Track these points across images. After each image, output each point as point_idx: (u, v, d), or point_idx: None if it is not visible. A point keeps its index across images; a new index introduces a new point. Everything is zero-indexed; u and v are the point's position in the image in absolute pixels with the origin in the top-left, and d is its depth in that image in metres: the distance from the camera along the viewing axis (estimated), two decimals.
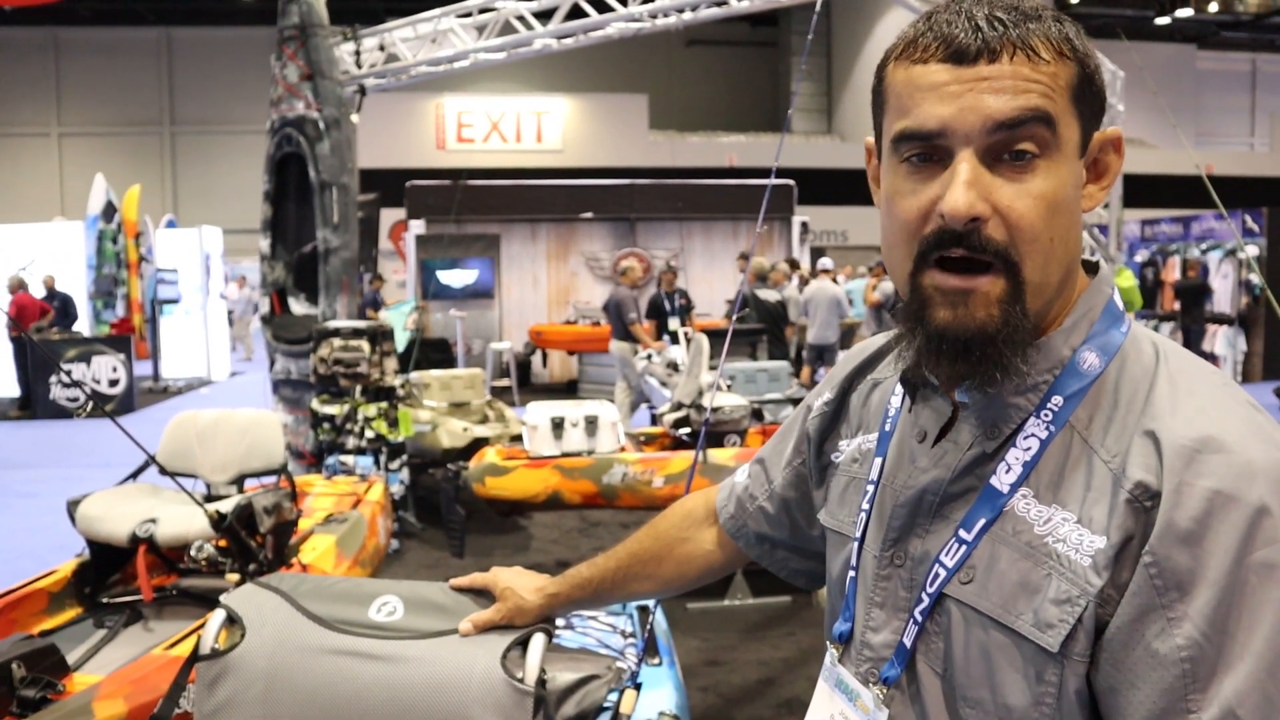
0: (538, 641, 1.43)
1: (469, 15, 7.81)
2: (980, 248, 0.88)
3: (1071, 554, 0.85)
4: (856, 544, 1.06)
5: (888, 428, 1.07)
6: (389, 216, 16.02)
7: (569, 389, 13.41)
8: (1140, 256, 15.26)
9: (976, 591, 0.91)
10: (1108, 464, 0.87)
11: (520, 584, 1.44)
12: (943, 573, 0.94)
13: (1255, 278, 12.91)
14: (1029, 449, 0.91)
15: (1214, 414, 0.85)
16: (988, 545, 0.91)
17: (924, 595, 0.95)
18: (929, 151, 0.90)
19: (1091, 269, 1.00)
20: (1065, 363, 0.93)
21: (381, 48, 7.77)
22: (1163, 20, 25.07)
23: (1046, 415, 0.92)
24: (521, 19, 7.69)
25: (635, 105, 23.04)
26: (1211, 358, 13.91)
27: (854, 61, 26.38)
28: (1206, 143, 26.60)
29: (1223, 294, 13.83)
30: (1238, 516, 0.79)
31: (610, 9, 7.54)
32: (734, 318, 3.16)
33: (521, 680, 1.40)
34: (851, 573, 1.05)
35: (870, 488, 1.06)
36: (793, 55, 28.97)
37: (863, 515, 1.06)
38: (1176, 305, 13.60)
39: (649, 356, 9.11)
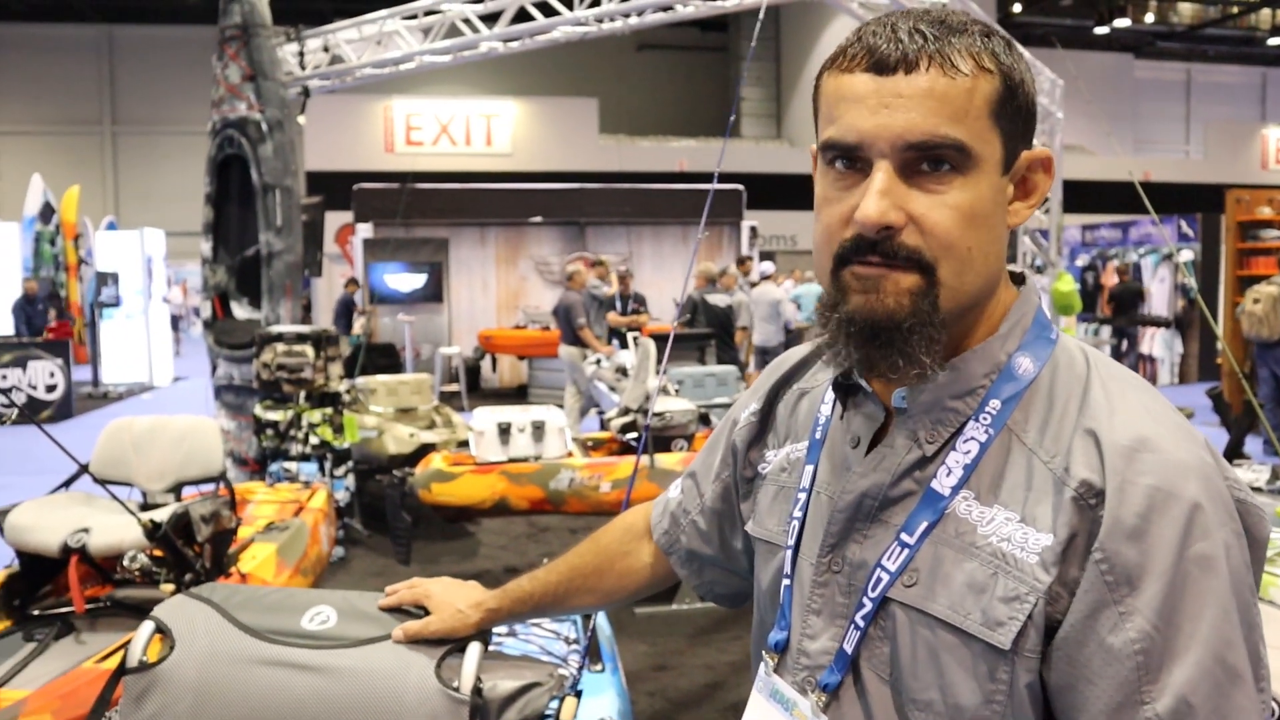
0: (473, 650, 1.42)
1: (415, 17, 7.75)
2: (893, 254, 0.90)
3: (1017, 552, 0.87)
4: (790, 552, 1.05)
5: (818, 435, 1.08)
6: (336, 219, 15.83)
7: (518, 394, 13.36)
8: (1081, 261, 15.54)
9: (922, 594, 0.91)
10: (1048, 464, 0.89)
11: (457, 597, 1.42)
12: (885, 577, 0.94)
13: (1190, 282, 13.21)
14: (969, 452, 0.93)
15: (1147, 416, 0.89)
16: (931, 548, 0.92)
17: (866, 600, 0.95)
18: (852, 160, 0.92)
19: (1019, 280, 1.02)
20: (1002, 367, 0.95)
21: (326, 49, 7.68)
22: (1102, 30, 25.59)
23: (985, 419, 0.93)
24: (467, 21, 7.65)
25: (585, 109, 23.01)
26: (1149, 360, 14.21)
27: (803, 66, 26.59)
28: (1144, 150, 27.17)
29: (1160, 298, 14.13)
30: (1177, 511, 0.83)
31: (556, 13, 7.53)
32: (677, 322, 3.16)
33: (457, 689, 1.38)
34: (786, 581, 1.05)
35: (802, 495, 1.06)
36: (742, 60, 29.13)
37: (795, 523, 1.06)
38: (1112, 308, 13.86)
39: (598, 361, 9.11)
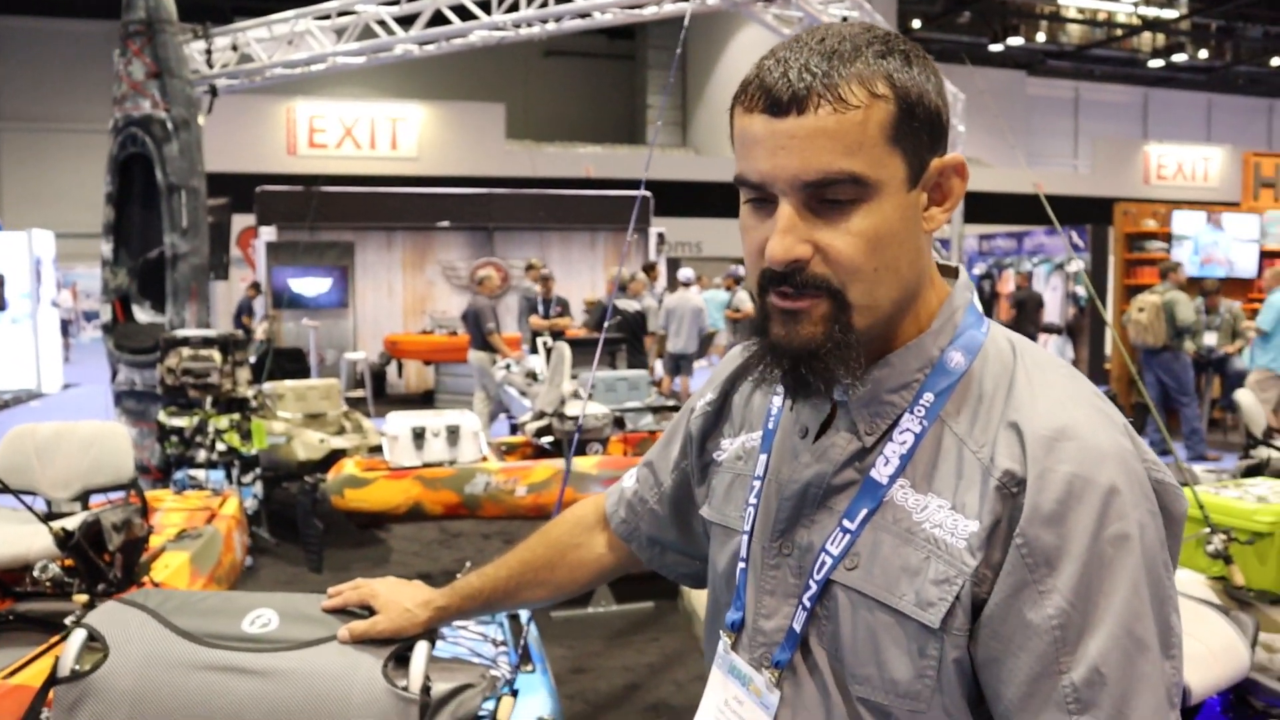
0: (421, 649, 1.41)
1: (328, 18, 7.64)
2: (804, 284, 0.95)
3: (947, 538, 0.94)
4: (745, 537, 1.11)
5: (771, 425, 1.13)
6: (237, 223, 15.44)
7: (425, 399, 13.21)
8: (978, 269, 16.04)
9: (862, 577, 0.98)
10: (976, 454, 0.95)
11: (403, 596, 1.42)
12: (829, 560, 1.00)
13: (1081, 290, 13.75)
14: (904, 442, 0.99)
15: (1067, 405, 0.95)
16: (870, 533, 0.98)
17: (812, 582, 1.01)
18: (761, 195, 0.97)
19: (951, 273, 1.08)
20: (934, 362, 1.01)
21: (234, 47, 7.51)
22: (996, 47, 26.48)
23: (919, 411, 0.99)
24: (382, 23, 7.56)
25: (492, 114, 22.89)
26: None
27: (709, 76, 26.89)
28: (1036, 163, 28.20)
29: (1052, 305, 14.67)
30: (1093, 497, 0.89)
31: (473, 16, 7.49)
32: (606, 326, 3.19)
33: (405, 689, 1.38)
34: (741, 564, 1.11)
35: (756, 483, 1.11)
36: (649, 68, 29.33)
37: (750, 509, 1.11)
38: (1014, 314, 14.34)
39: (508, 366, 9.08)
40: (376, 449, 6.08)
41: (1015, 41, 26.38)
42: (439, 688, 2.07)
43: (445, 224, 14.77)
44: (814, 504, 1.04)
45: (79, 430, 3.79)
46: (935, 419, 0.99)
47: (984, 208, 18.06)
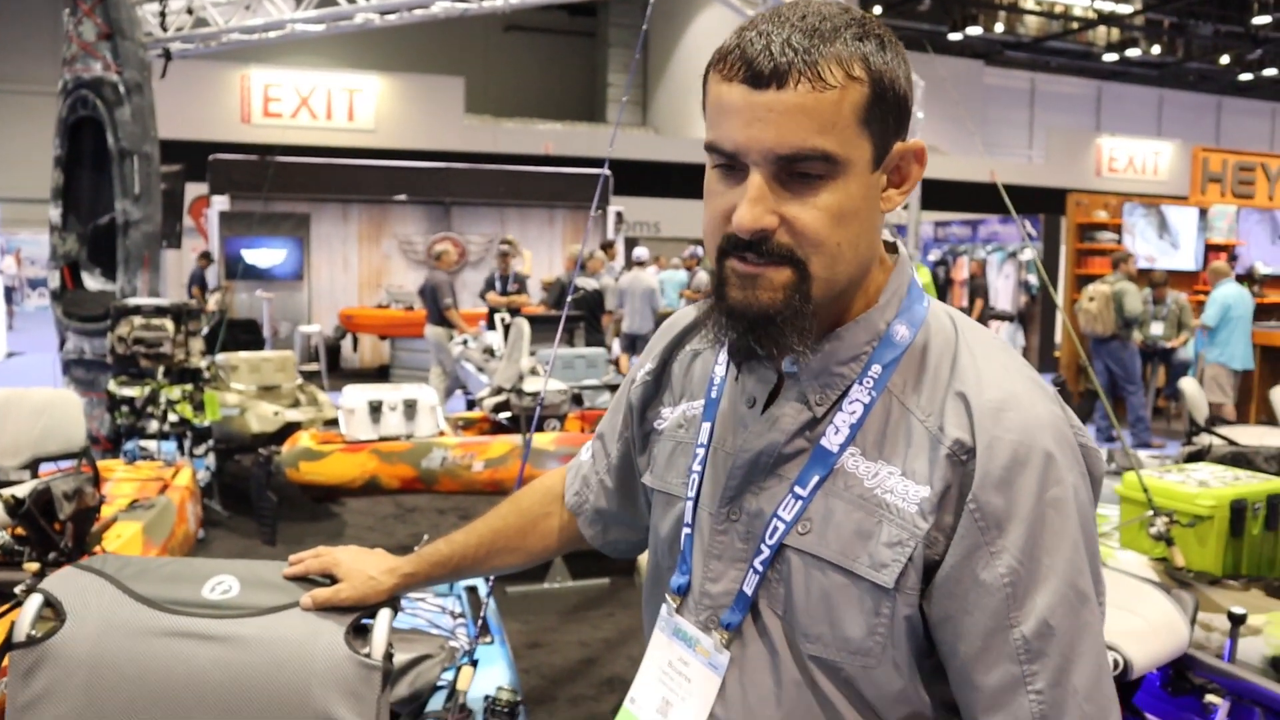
0: (384, 616, 1.41)
1: None
2: (768, 253, 0.99)
3: (899, 503, 0.99)
4: (690, 503, 1.14)
5: (714, 395, 1.17)
6: (190, 191, 15.15)
7: (380, 374, 13.12)
8: (933, 255, 16.21)
9: (815, 541, 1.02)
10: (924, 423, 1.00)
11: (366, 564, 1.43)
12: (781, 526, 1.04)
13: (1033, 278, 13.95)
14: (854, 412, 1.04)
15: (1008, 376, 1.01)
16: (822, 499, 1.03)
17: (763, 547, 1.05)
18: (731, 163, 1.00)
19: (891, 249, 1.13)
20: (882, 335, 1.06)
21: (190, 11, 7.36)
22: (955, 36, 26.65)
23: (868, 382, 1.04)
24: None
25: (451, 88, 22.62)
26: None
27: (669, 56, 26.80)
28: (992, 152, 28.45)
29: (1004, 293, 14.87)
30: (1036, 462, 0.96)
31: None
32: (568, 302, 3.19)
33: (368, 655, 1.38)
34: (686, 529, 1.14)
35: (700, 450, 1.15)
36: (610, 46, 29.16)
37: (694, 476, 1.15)
38: (965, 302, 14.52)
39: (465, 342, 9.04)
40: (332, 422, 6.03)
41: (974, 31, 26.57)
42: (398, 658, 2.08)
43: (402, 197, 14.63)
44: (764, 472, 1.07)
45: (30, 397, 3.73)
46: (883, 390, 1.04)
47: (940, 195, 18.22)
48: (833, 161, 0.96)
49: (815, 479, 1.03)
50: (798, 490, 1.04)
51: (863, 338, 1.05)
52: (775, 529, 1.04)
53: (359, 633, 1.40)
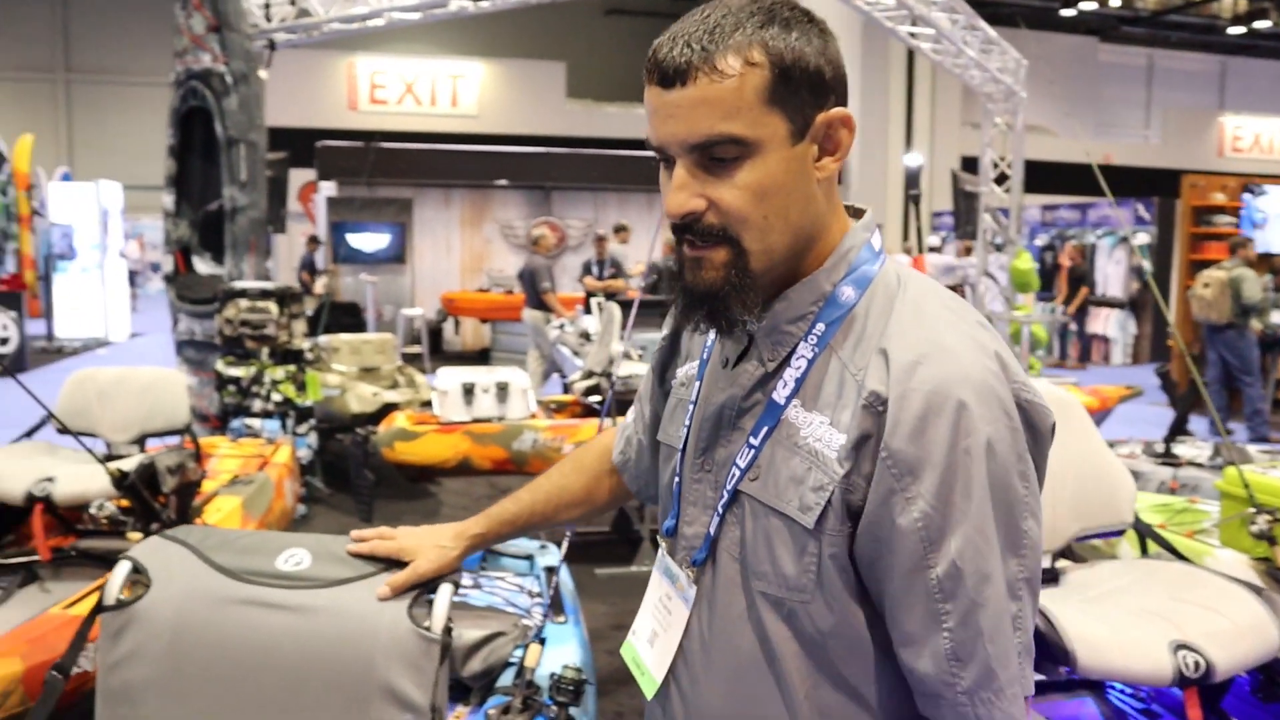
0: (445, 591, 1.46)
1: None
2: (702, 234, 1.09)
3: (825, 450, 1.07)
4: (680, 454, 1.26)
5: (705, 356, 1.28)
6: (298, 177, 15.61)
7: (481, 357, 13.35)
8: (1040, 240, 15.75)
9: (761, 486, 1.12)
10: (855, 377, 1.07)
11: (434, 536, 1.49)
12: (737, 473, 1.15)
13: (1145, 264, 13.45)
14: (799, 368, 1.12)
15: (936, 331, 1.06)
16: (770, 448, 1.12)
17: (725, 492, 1.16)
18: (664, 157, 1.11)
19: (857, 214, 1.19)
20: (827, 296, 1.13)
21: (292, 2, 7.57)
22: (1068, 12, 25.74)
23: (812, 339, 1.13)
24: None
25: (553, 72, 22.82)
26: (1104, 340, 14.47)
27: None
28: (1106, 133, 27.46)
29: (1115, 280, 14.37)
30: (948, 412, 1.01)
31: None
32: (642, 288, 3.20)
33: (429, 629, 1.43)
34: (676, 479, 1.26)
35: (691, 407, 1.27)
36: None
37: (684, 430, 1.26)
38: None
39: (561, 326, 9.13)
40: (428, 404, 6.17)
41: (1088, 6, 25.61)
42: (470, 635, 2.13)
43: (503, 182, 14.83)
44: (728, 425, 1.18)
45: (138, 376, 3.91)
46: (826, 346, 1.11)
47: (1047, 177, 17.68)
48: (743, 143, 1.04)
49: (765, 429, 1.12)
50: (751, 440, 1.13)
51: (808, 298, 1.13)
52: (732, 475, 1.15)
53: (421, 607, 1.45)
